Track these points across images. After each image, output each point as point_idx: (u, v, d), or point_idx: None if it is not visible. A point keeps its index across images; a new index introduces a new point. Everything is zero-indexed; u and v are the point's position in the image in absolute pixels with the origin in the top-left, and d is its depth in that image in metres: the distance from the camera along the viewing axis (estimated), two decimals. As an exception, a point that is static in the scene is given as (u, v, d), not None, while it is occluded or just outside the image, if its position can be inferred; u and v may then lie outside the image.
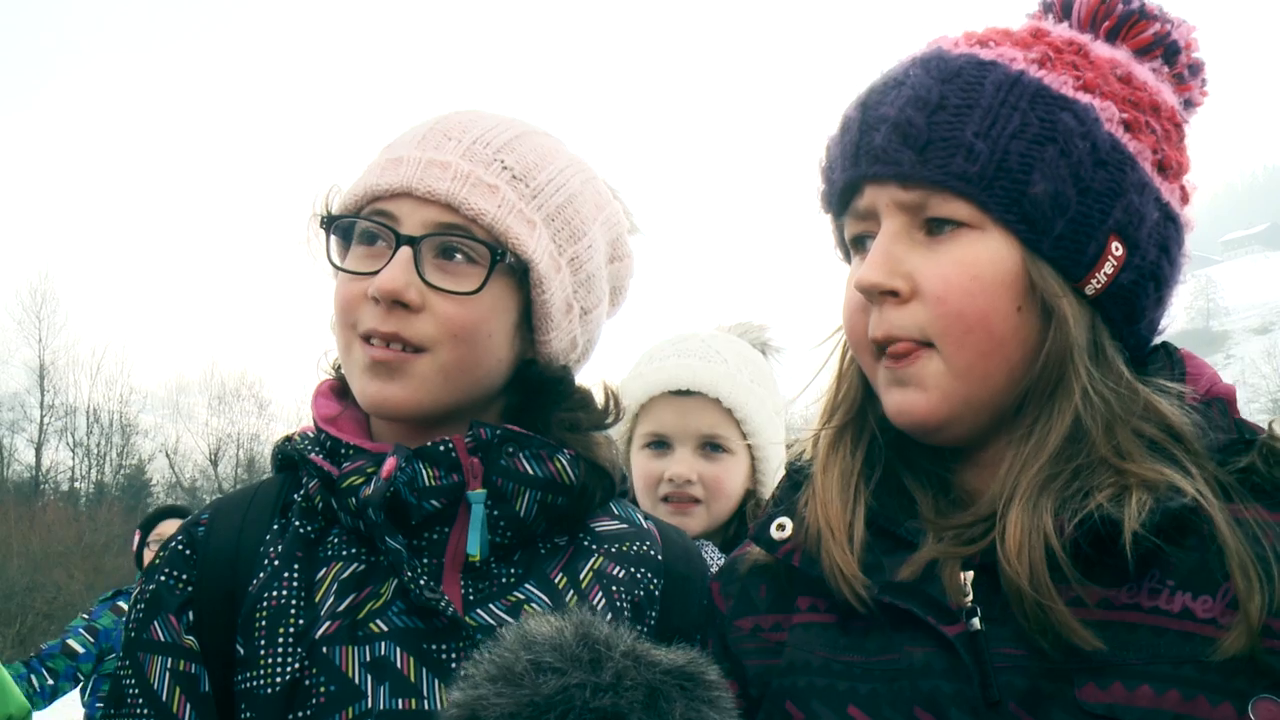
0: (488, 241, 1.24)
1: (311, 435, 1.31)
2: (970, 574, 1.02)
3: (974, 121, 1.01)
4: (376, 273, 1.22)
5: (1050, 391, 1.01)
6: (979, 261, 1.01)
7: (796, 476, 1.18)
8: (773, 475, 2.17)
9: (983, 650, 0.97)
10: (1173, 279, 1.09)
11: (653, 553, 1.34)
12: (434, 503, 1.22)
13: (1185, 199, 1.09)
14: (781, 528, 1.13)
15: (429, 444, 1.24)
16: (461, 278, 1.24)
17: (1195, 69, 1.15)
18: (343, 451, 1.25)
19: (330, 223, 1.28)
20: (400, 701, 1.14)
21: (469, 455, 1.24)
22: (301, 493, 1.27)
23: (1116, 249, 1.02)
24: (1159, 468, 0.96)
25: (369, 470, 1.21)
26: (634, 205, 1.47)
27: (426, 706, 1.14)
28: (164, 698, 1.17)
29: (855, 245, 1.11)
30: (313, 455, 1.26)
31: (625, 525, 1.36)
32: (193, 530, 1.28)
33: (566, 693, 0.92)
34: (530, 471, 1.25)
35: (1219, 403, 1.03)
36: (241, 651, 1.18)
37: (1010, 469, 1.02)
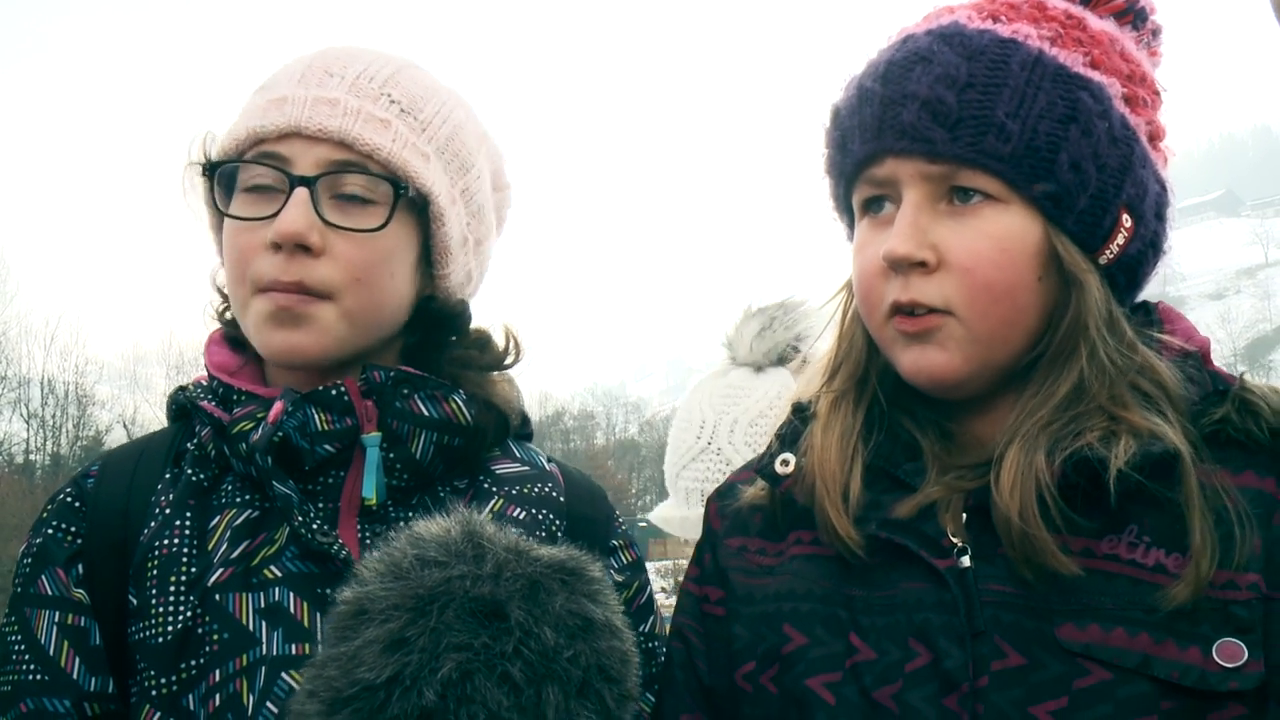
0: (387, 176, 1.22)
1: (205, 383, 1.29)
2: (964, 516, 1.07)
3: (1004, 101, 1.03)
4: (272, 217, 1.18)
5: (1065, 356, 1.06)
6: (1007, 235, 1.04)
7: (803, 415, 1.21)
8: None
9: (970, 585, 1.02)
10: (1165, 244, 1.14)
11: (555, 494, 1.33)
12: (327, 447, 1.21)
13: (1166, 164, 1.14)
14: (786, 463, 1.17)
15: (320, 388, 1.22)
16: (362, 216, 1.21)
17: (1156, 33, 1.19)
18: (235, 397, 1.24)
19: (214, 169, 1.23)
20: (293, 646, 1.14)
21: (362, 398, 1.23)
22: (194, 441, 1.26)
23: (1127, 221, 1.07)
24: (1147, 415, 1.01)
25: (259, 415, 1.19)
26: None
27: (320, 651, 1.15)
28: (51, 652, 1.15)
29: (867, 207, 1.13)
30: (203, 402, 1.24)
31: (527, 467, 1.35)
32: (82, 483, 1.26)
33: (449, 583, 0.95)
34: (426, 413, 1.24)
35: (1195, 356, 1.09)
36: (134, 602, 1.17)
37: (1015, 418, 1.07)
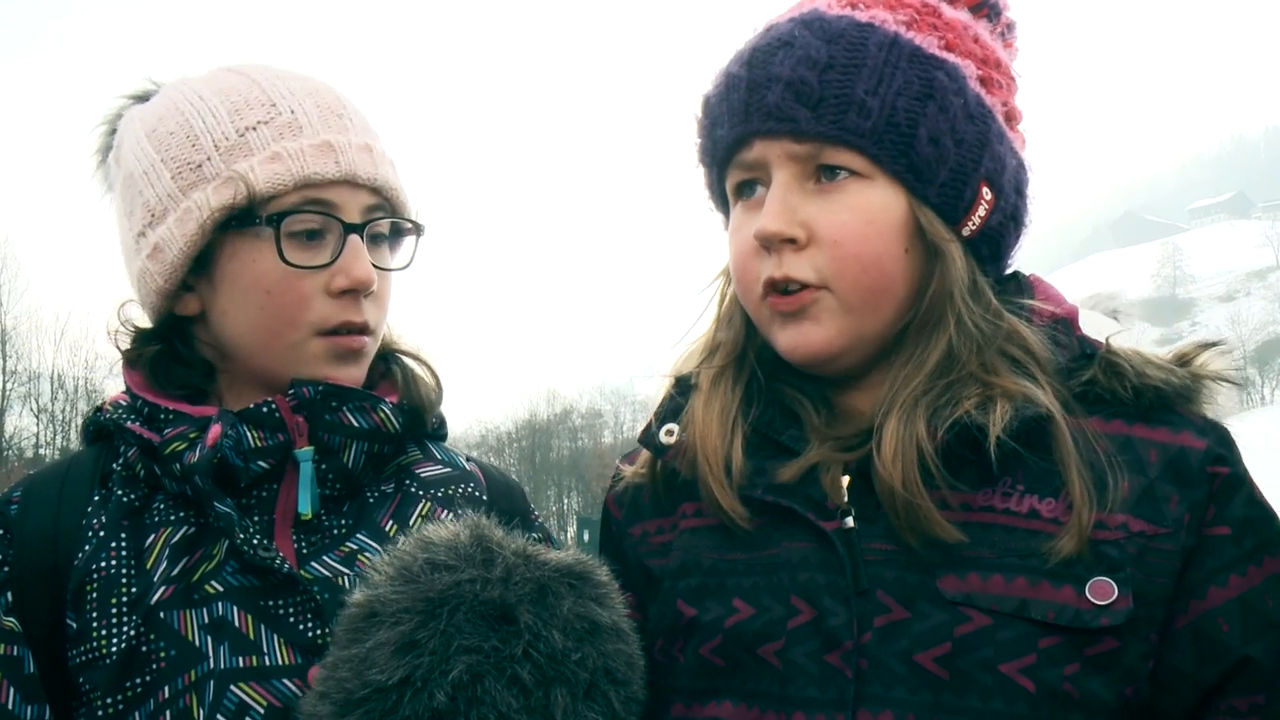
0: (413, 220, 1.32)
1: (126, 404, 1.29)
2: (847, 479, 1.11)
3: (863, 80, 1.08)
4: (327, 265, 1.23)
5: (933, 324, 1.10)
6: (871, 208, 1.09)
7: (684, 389, 1.23)
8: None
9: (855, 545, 1.07)
10: (1026, 218, 1.19)
11: (477, 493, 1.37)
12: (261, 464, 1.23)
13: (1024, 145, 1.20)
14: (670, 433, 1.20)
15: (252, 406, 1.24)
16: (385, 253, 1.31)
17: (1011, 27, 1.24)
18: (162, 417, 1.24)
19: (279, 220, 1.22)
20: (241, 659, 1.15)
21: (293, 414, 1.25)
22: (120, 462, 1.26)
23: (987, 194, 1.12)
24: (1019, 381, 1.06)
25: (192, 435, 1.21)
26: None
27: (267, 662, 1.15)
28: None
29: (740, 192, 1.17)
30: (130, 424, 1.24)
31: (449, 469, 1.38)
32: (5, 510, 1.24)
33: (458, 587, 0.96)
34: (355, 424, 1.26)
35: (1064, 322, 1.14)
36: (74, 626, 1.16)
37: (890, 388, 1.11)
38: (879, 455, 1.06)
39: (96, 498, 1.25)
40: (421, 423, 1.36)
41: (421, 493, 1.33)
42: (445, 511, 1.32)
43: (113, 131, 1.37)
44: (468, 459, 1.44)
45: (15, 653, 1.15)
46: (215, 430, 1.20)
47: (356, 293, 1.25)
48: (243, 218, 1.22)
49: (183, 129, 1.26)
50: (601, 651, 0.99)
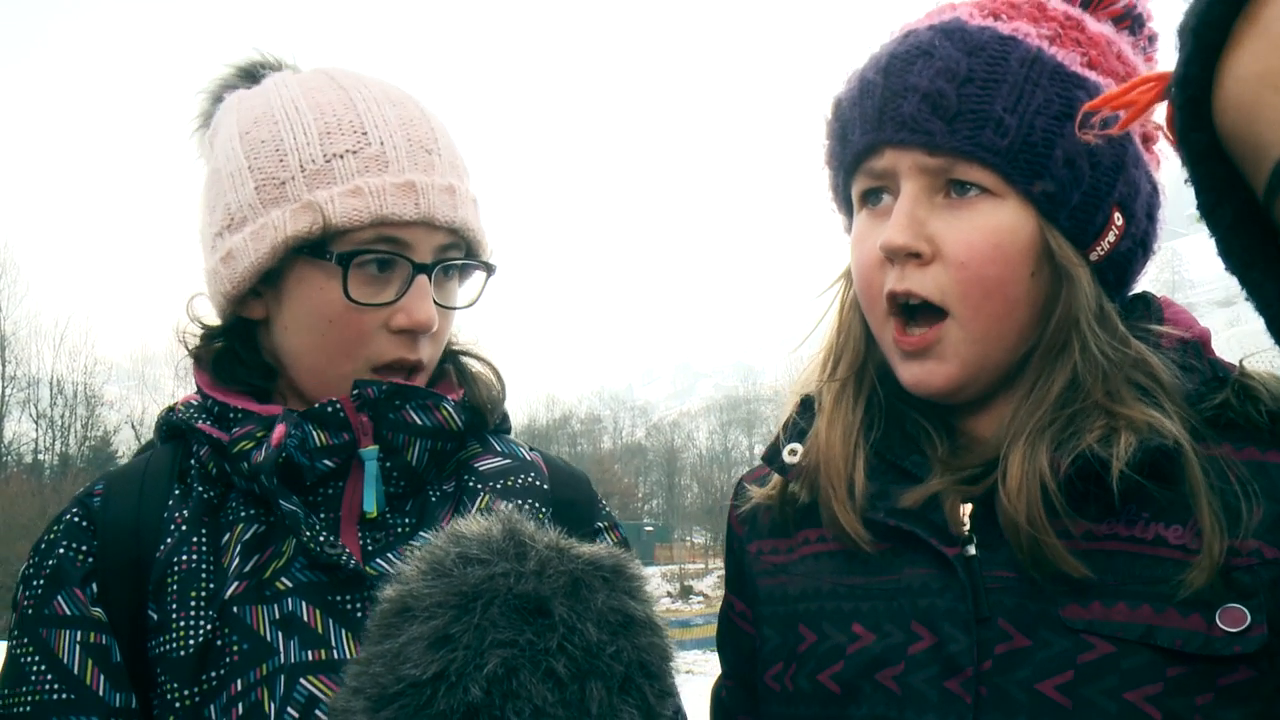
0: (486, 261, 1.34)
1: (197, 403, 1.32)
2: (969, 506, 1.09)
3: (1002, 96, 1.05)
4: (392, 303, 1.25)
5: (1058, 350, 1.08)
6: (1000, 229, 1.06)
7: (807, 407, 1.23)
8: None
9: (976, 572, 1.05)
10: (1155, 244, 1.16)
11: (538, 483, 1.38)
12: (327, 462, 1.26)
13: (1159, 166, 1.16)
14: (794, 453, 1.19)
15: (317, 405, 1.26)
16: (452, 289, 1.33)
17: (1153, 39, 1.21)
18: (231, 416, 1.28)
19: (349, 259, 1.23)
20: (310, 653, 1.18)
21: (357, 413, 1.27)
22: (195, 460, 1.29)
23: (1118, 220, 1.09)
24: (1145, 409, 1.03)
25: (258, 435, 1.23)
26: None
27: (335, 656, 1.18)
28: (75, 670, 1.17)
29: (866, 199, 1.15)
30: (200, 424, 1.27)
31: (509, 460, 1.39)
32: (88, 502, 1.28)
33: (492, 580, 0.96)
34: (419, 422, 1.28)
35: (1194, 345, 1.10)
36: (155, 618, 1.19)
37: (1014, 418, 1.09)
38: (1003, 488, 1.04)
39: (177, 492, 1.27)
40: (484, 420, 1.38)
41: (480, 486, 1.34)
42: (503, 504, 1.30)
43: (217, 100, 1.39)
44: (530, 449, 1.44)
45: (104, 641, 1.19)
46: (280, 430, 1.22)
47: (415, 332, 1.26)
48: (315, 248, 1.23)
49: (273, 140, 1.27)
50: (636, 645, 0.98)
